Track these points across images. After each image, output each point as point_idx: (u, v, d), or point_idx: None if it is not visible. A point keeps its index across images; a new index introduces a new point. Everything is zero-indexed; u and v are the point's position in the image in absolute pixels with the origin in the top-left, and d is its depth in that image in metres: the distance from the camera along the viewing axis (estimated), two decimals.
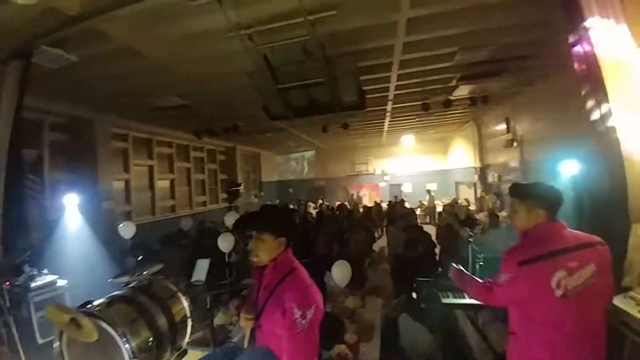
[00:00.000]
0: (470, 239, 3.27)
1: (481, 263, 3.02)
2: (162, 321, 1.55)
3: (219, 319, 3.25)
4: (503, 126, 8.31)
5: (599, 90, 2.05)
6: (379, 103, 6.72)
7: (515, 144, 7.68)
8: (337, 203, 10.32)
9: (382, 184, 15.33)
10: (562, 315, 1.33)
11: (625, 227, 2.03)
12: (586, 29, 2.10)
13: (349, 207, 10.57)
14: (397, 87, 5.62)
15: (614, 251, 1.50)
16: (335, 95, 3.81)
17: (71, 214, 4.25)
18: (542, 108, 6.22)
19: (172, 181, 8.82)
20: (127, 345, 1.46)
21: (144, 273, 1.74)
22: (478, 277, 1.68)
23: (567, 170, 3.62)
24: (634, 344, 1.54)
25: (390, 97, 6.24)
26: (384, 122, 9.42)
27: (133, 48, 3.37)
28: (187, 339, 1.71)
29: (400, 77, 5.04)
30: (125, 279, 1.85)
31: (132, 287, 1.76)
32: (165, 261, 5.48)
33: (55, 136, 5.70)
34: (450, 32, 3.60)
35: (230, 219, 4.76)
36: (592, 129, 2.21)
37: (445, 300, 1.92)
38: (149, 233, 6.84)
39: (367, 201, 13.92)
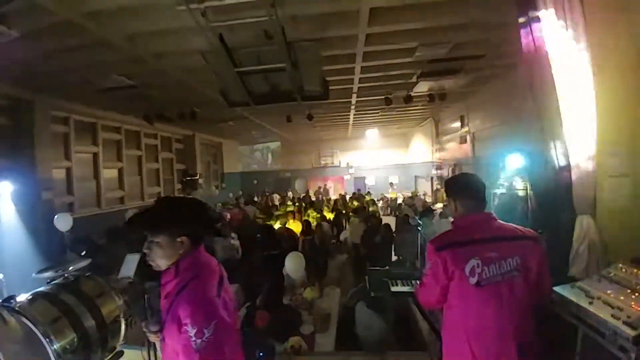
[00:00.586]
0: (419, 228, 3.40)
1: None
2: (89, 321, 1.38)
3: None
4: (458, 123, 8.79)
5: (543, 82, 2.12)
6: (343, 95, 6.74)
7: (468, 140, 8.17)
8: (302, 195, 10.25)
9: (347, 177, 15.57)
10: (478, 303, 1.34)
11: (572, 219, 2.09)
12: (537, 17, 2.10)
13: (314, 198, 10.61)
14: (361, 80, 5.66)
15: (560, 242, 1.57)
16: (297, 84, 3.70)
17: (4, 203, 3.68)
18: (493, 106, 6.65)
19: (120, 170, 8.11)
20: (51, 346, 1.30)
21: (70, 269, 1.54)
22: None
23: (512, 164, 3.89)
24: (586, 335, 1.51)
25: (355, 89, 6.27)
26: (349, 115, 9.50)
27: (72, 22, 2.99)
28: (121, 340, 1.55)
29: (364, 70, 5.06)
30: (49, 274, 1.63)
31: (56, 283, 1.56)
32: (112, 257, 5.12)
33: None
34: (411, 26, 3.65)
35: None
36: (538, 124, 2.31)
37: (393, 289, 1.96)
38: (94, 226, 6.28)
39: (333, 193, 14.10)
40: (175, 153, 10.46)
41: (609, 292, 1.52)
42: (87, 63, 4.18)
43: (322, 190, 13.87)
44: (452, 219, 1.60)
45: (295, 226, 5.79)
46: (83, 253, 5.18)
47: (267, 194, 12.80)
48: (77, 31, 3.18)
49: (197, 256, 1.26)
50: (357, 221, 5.22)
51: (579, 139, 2.05)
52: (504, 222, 1.49)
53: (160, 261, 1.22)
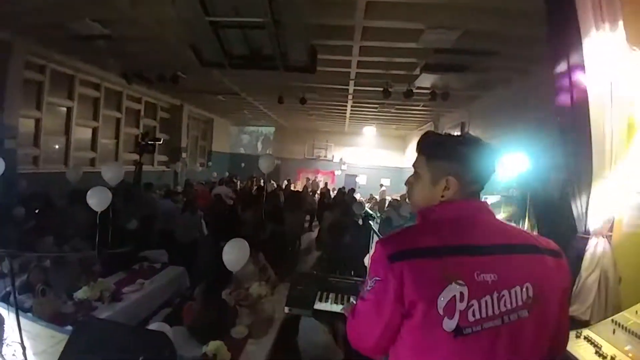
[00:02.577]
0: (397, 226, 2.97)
1: None
2: None
3: (82, 292, 2.59)
4: (458, 131, 8.38)
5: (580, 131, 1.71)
6: (340, 81, 6.26)
7: None
8: (284, 184, 9.81)
9: (338, 172, 15.13)
10: None
11: (583, 241, 1.66)
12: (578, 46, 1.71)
13: (300, 189, 10.18)
14: (360, 64, 5.17)
15: None
16: (280, 48, 3.21)
17: None
18: (498, 115, 6.21)
19: (94, 130, 7.56)
20: None
21: None
22: None
23: (509, 171, 3.45)
24: None
25: (352, 75, 5.78)
26: (346, 107, 9.03)
27: None
28: None
29: (363, 51, 4.57)
30: None
31: None
32: (71, 220, 4.62)
33: None
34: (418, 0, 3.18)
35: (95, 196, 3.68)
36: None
37: (318, 306, 1.48)
38: (57, 184, 5.78)
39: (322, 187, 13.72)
40: (160, 122, 9.91)
41: (627, 348, 1.03)
42: (57, 2, 3.66)
43: (310, 182, 13.45)
44: (417, 206, 0.92)
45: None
46: (37, 211, 4.74)
47: (254, 178, 12.30)
48: None
49: None
50: (329, 217, 4.77)
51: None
52: (507, 222, 0.95)
53: None
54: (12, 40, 4.94)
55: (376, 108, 8.66)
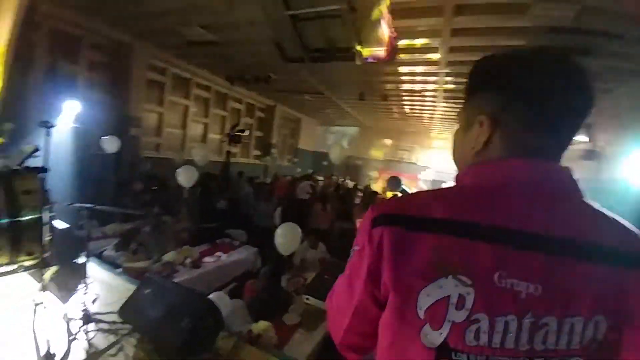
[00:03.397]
0: None
1: None
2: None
3: (169, 256, 3.04)
4: (579, 135, 6.71)
5: None
6: (425, 72, 5.70)
7: (594, 157, 6.16)
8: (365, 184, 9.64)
9: (421, 177, 14.13)
10: None
11: None
12: None
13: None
14: (452, 50, 4.45)
15: None
16: (356, 37, 3.13)
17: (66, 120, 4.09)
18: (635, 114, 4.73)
19: (205, 125, 8.93)
20: None
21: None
22: None
23: None
24: None
25: (443, 65, 5.17)
26: (435, 106, 8.28)
27: None
28: (42, 250, 1.41)
29: (455, 35, 3.96)
30: None
31: None
32: (176, 197, 5.55)
33: (94, 56, 5.88)
34: None
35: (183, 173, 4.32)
36: None
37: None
38: (173, 168, 7.06)
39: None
40: (256, 120, 11.05)
41: None
42: (169, 8, 4.42)
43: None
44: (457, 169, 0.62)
45: None
46: (154, 188, 5.89)
47: (334, 176, 12.53)
48: None
49: None
50: None
51: None
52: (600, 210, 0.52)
53: None
54: (133, 43, 6.00)
55: None
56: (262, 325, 1.97)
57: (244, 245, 4.35)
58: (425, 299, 0.47)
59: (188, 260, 3.13)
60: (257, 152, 11.27)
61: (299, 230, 2.46)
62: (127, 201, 4.42)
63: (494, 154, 0.53)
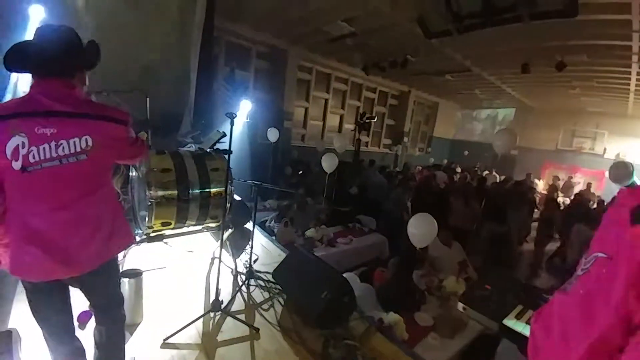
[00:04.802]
0: None
1: None
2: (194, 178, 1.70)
3: (310, 232, 3.40)
4: None
5: None
6: (617, 34, 4.00)
7: None
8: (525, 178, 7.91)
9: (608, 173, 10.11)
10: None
11: None
12: None
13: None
14: None
15: None
16: None
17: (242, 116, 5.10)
18: None
19: (341, 117, 9.44)
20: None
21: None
22: None
23: None
24: None
25: (637, 26, 3.52)
26: (630, 76, 5.81)
27: None
28: (225, 216, 1.78)
29: None
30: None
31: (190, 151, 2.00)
32: (317, 181, 6.22)
33: (259, 63, 7.13)
34: None
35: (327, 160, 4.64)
36: None
37: (507, 321, 0.90)
38: (314, 156, 7.91)
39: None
40: (389, 108, 10.85)
41: None
42: (316, 9, 4.80)
43: (561, 182, 9.84)
44: None
45: None
46: (300, 172, 6.76)
47: (477, 168, 10.91)
48: None
49: None
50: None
51: None
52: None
53: None
54: (288, 48, 6.94)
55: None
56: (393, 317, 1.89)
57: (374, 232, 4.37)
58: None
59: (325, 239, 3.41)
60: (388, 141, 11.08)
61: (435, 223, 2.20)
62: (281, 182, 5.22)
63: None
